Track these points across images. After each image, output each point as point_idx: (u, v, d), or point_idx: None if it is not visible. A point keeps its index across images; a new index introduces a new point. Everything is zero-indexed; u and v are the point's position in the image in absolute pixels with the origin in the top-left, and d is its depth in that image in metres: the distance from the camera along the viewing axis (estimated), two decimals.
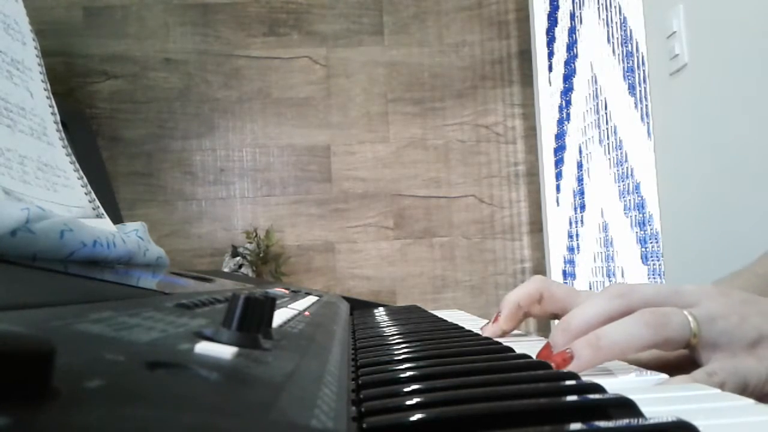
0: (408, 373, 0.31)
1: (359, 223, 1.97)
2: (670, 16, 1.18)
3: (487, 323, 0.58)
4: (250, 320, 0.21)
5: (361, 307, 0.91)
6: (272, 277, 1.87)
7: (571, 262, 1.76)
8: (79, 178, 0.67)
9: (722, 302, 0.37)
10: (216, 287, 0.60)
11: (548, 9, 1.85)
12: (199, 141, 1.97)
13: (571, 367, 0.36)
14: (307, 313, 0.47)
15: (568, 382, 0.28)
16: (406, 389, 0.27)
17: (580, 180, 1.67)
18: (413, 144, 1.99)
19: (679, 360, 0.41)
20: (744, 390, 0.35)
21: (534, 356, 0.37)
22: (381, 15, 2.00)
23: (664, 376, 0.35)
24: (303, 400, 0.18)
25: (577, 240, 1.70)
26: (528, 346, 0.44)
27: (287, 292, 0.69)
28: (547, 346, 0.39)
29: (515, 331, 0.59)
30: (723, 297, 0.38)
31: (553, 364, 0.35)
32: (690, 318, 0.36)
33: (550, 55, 1.85)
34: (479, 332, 0.54)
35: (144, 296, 0.36)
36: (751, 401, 0.27)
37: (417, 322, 0.63)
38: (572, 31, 1.68)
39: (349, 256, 1.96)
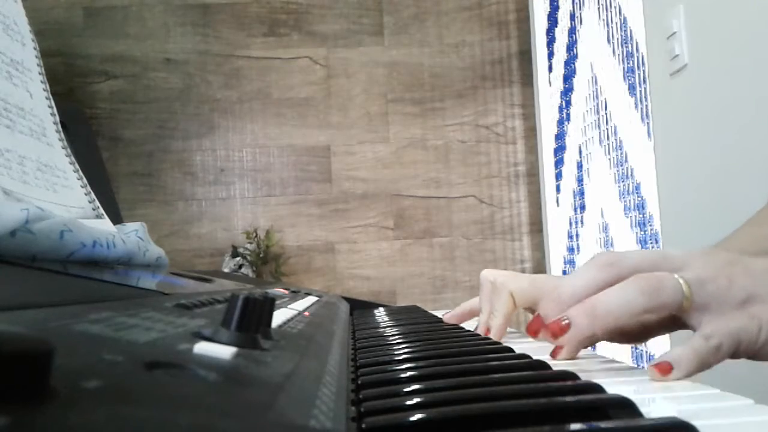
0: (408, 374, 0.31)
1: (359, 223, 1.97)
2: (670, 16, 1.18)
3: (448, 312, 0.63)
4: (249, 320, 0.21)
5: (361, 307, 0.91)
6: (272, 278, 1.87)
7: (571, 262, 1.76)
8: (78, 179, 0.67)
9: (710, 265, 0.38)
10: (216, 287, 0.60)
11: (548, 9, 1.85)
12: (199, 141, 1.97)
13: (568, 336, 0.35)
14: (306, 313, 0.47)
15: (568, 382, 0.28)
16: (405, 389, 0.27)
17: (580, 180, 1.67)
18: (413, 144, 1.99)
19: (659, 321, 0.41)
20: (737, 348, 0.36)
21: (533, 356, 0.37)
22: (381, 15, 2.00)
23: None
24: (302, 400, 0.18)
25: (577, 240, 1.70)
26: (528, 346, 0.44)
27: (287, 292, 0.69)
28: (537, 318, 0.39)
29: (515, 331, 0.59)
30: (709, 259, 0.38)
31: (549, 333, 0.35)
32: (682, 282, 0.36)
33: (550, 55, 1.85)
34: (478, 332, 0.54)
35: (143, 296, 0.36)
36: (750, 401, 0.27)
37: (417, 323, 0.63)
38: (572, 31, 1.68)
39: (349, 256, 1.96)
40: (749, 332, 0.36)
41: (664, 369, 0.34)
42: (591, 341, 0.41)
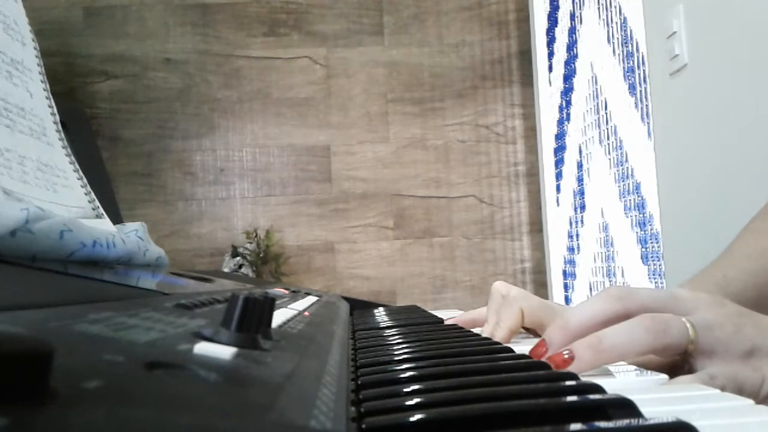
0: (408, 374, 0.31)
1: (359, 223, 1.97)
2: (670, 16, 1.18)
3: (453, 317, 0.63)
4: (250, 320, 0.21)
5: (361, 307, 0.91)
6: (272, 277, 1.87)
7: (571, 262, 1.76)
8: (78, 179, 0.67)
9: (719, 312, 0.38)
10: (216, 287, 0.60)
11: (548, 9, 1.85)
12: (199, 141, 1.97)
13: (571, 368, 0.36)
14: (306, 313, 0.47)
15: (568, 383, 0.28)
16: (405, 389, 0.27)
17: (580, 180, 1.67)
18: (413, 144, 1.99)
19: (663, 363, 0.41)
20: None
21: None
22: (381, 15, 2.00)
23: (665, 376, 0.35)
24: (302, 400, 0.18)
25: (577, 240, 1.70)
26: (528, 347, 0.44)
27: (287, 292, 0.69)
28: (542, 343, 0.39)
29: None
30: (719, 307, 0.38)
31: (552, 364, 0.35)
32: (688, 325, 0.36)
33: (550, 55, 1.85)
34: (479, 332, 0.54)
35: (143, 296, 0.36)
36: (750, 401, 0.27)
37: (417, 323, 0.63)
38: (572, 31, 1.68)
39: (349, 256, 1.96)
40: (752, 384, 0.35)
41: None
42: None
